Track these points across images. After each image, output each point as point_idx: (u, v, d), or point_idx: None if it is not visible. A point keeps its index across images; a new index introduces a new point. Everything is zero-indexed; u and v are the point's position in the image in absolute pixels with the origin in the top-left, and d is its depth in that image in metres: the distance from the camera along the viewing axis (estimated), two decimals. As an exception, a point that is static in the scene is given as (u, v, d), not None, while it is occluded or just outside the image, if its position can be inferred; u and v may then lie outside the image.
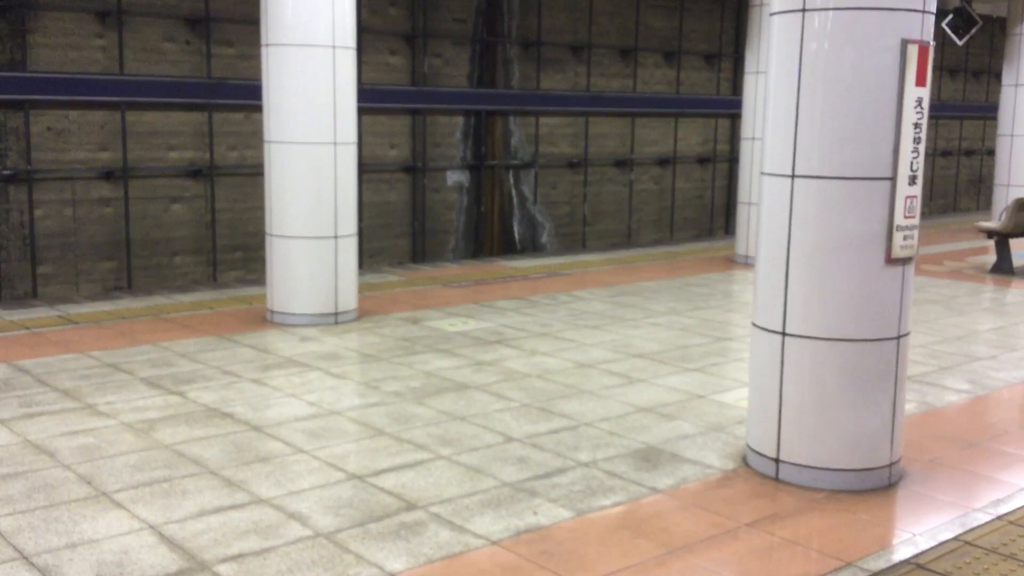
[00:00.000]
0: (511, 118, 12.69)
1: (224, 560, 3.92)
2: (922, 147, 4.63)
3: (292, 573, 3.82)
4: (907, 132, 4.53)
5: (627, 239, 14.20)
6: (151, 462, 4.99)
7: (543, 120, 13.02)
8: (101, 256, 9.70)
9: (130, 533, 4.15)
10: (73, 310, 8.64)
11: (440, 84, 11.94)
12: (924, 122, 4.61)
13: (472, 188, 12.45)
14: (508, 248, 12.85)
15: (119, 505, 4.44)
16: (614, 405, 6.09)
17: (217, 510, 4.40)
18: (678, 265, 11.93)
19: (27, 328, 7.90)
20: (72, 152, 9.45)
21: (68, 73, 9.27)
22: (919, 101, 4.55)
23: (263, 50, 8.04)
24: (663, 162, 14.48)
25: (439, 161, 12.07)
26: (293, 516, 4.35)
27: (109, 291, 9.67)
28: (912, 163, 4.58)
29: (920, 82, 4.53)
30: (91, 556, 3.93)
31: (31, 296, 9.30)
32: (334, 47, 7.91)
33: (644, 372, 6.87)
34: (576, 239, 13.64)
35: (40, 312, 8.53)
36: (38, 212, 9.30)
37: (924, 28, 4.56)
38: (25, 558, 3.91)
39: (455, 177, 12.28)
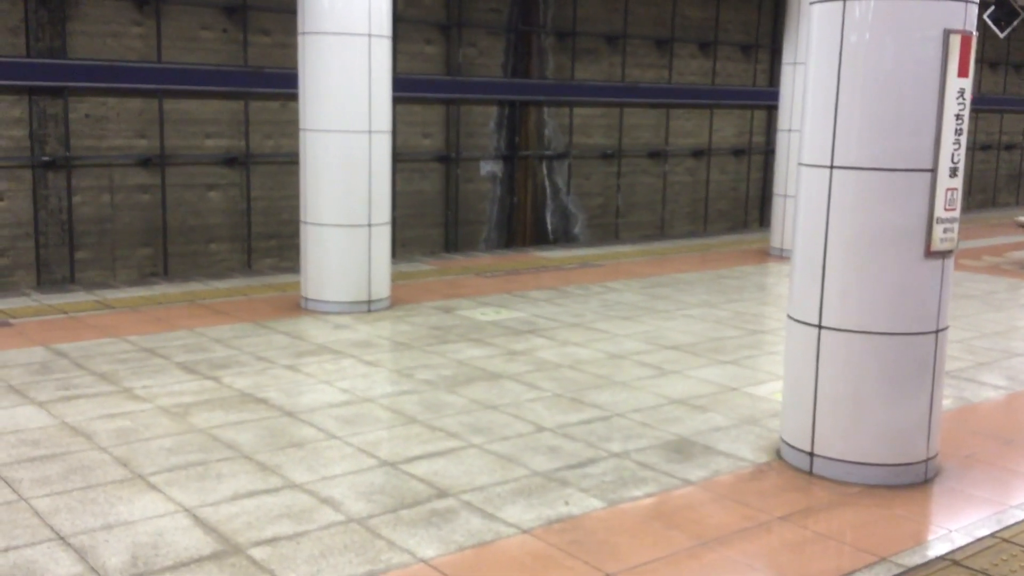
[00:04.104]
0: (545, 108, 12.65)
1: (257, 544, 3.95)
2: (963, 139, 4.56)
3: (324, 558, 3.85)
4: (949, 123, 4.47)
5: (660, 231, 14.13)
6: (186, 446, 5.03)
7: (577, 111, 12.98)
8: (138, 242, 9.79)
9: (165, 516, 4.19)
10: (110, 295, 8.74)
11: (474, 74, 11.93)
12: (966, 114, 4.54)
13: (505, 178, 12.44)
14: (541, 239, 12.83)
15: (154, 488, 4.48)
16: (646, 396, 6.07)
17: (251, 494, 4.44)
18: (711, 257, 11.87)
19: (65, 312, 8.00)
20: (110, 139, 9.54)
21: (106, 60, 9.36)
22: (961, 92, 4.49)
23: (300, 38, 8.07)
24: (698, 153, 14.39)
25: (472, 151, 12.06)
26: (326, 501, 4.38)
27: (146, 277, 9.76)
28: (953, 155, 4.51)
29: (962, 73, 4.47)
30: (127, 538, 3.98)
31: (69, 281, 9.41)
32: (370, 36, 7.92)
33: (677, 364, 6.84)
34: (609, 230, 13.59)
35: (78, 297, 8.63)
36: (76, 198, 9.40)
37: (967, 18, 4.49)
38: (62, 538, 3.96)
39: (488, 167, 12.27)
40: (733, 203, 15.05)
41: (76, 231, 9.42)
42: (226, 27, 10.06)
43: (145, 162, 9.71)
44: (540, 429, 5.41)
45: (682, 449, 5.16)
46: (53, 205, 9.30)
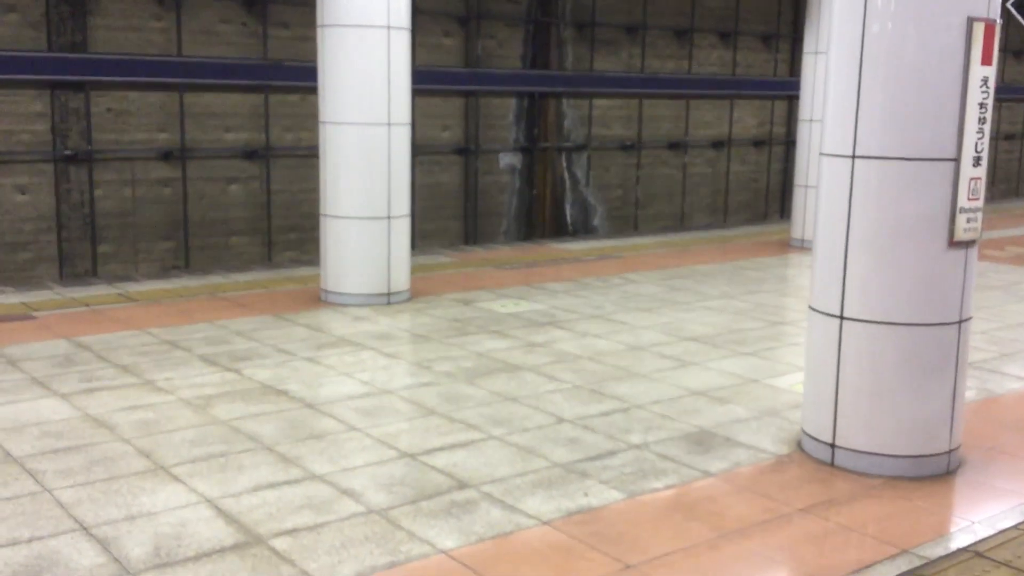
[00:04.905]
0: (564, 100, 12.63)
1: (279, 534, 3.97)
2: (987, 128, 4.51)
3: (345, 548, 3.86)
4: (972, 112, 4.42)
5: (680, 222, 14.08)
6: (208, 437, 5.06)
7: (596, 102, 12.94)
8: (159, 236, 9.85)
9: (187, 506, 4.22)
10: (132, 288, 8.79)
11: (493, 66, 11.92)
12: (990, 102, 4.50)
13: (524, 170, 12.42)
14: (560, 231, 12.81)
15: (177, 479, 4.51)
16: (666, 388, 6.05)
17: (272, 485, 4.46)
18: (731, 248, 11.82)
19: (87, 305, 8.05)
20: (131, 133, 9.59)
21: (127, 55, 9.41)
22: (984, 80, 4.44)
23: (319, 31, 8.07)
24: (718, 145, 14.32)
25: (492, 143, 12.05)
26: (346, 492, 4.39)
27: (167, 270, 9.82)
28: (977, 144, 4.47)
29: (986, 61, 4.42)
30: (149, 528, 4.00)
31: (91, 274, 9.47)
32: (389, 28, 7.92)
33: (697, 355, 6.82)
34: (628, 222, 13.56)
35: (100, 290, 8.69)
36: (98, 192, 9.46)
37: (990, 6, 4.44)
38: (85, 529, 3.99)
39: (507, 159, 12.26)
40: (753, 194, 14.98)
41: (98, 225, 9.48)
42: (245, 20, 10.09)
43: (166, 156, 9.76)
44: (560, 421, 5.41)
45: (702, 441, 5.14)
46: (75, 199, 9.36)
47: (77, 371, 6.19)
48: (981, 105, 4.45)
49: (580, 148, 12.85)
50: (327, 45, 8.01)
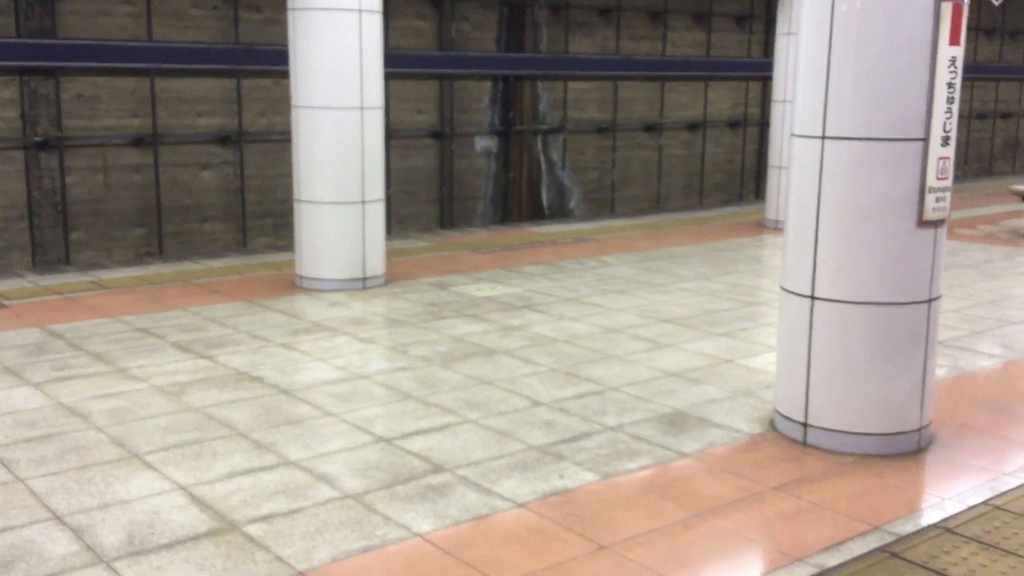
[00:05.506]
0: (539, 83, 12.60)
1: (253, 521, 3.97)
2: (955, 107, 4.54)
3: (321, 534, 3.86)
4: (940, 92, 4.45)
5: (656, 204, 14.11)
6: (182, 425, 5.04)
7: (572, 85, 12.92)
8: (132, 222, 9.78)
9: (161, 494, 4.21)
10: (105, 275, 8.73)
11: (468, 49, 11.87)
12: (958, 82, 4.52)
13: (500, 154, 12.40)
14: (536, 214, 12.81)
15: (150, 467, 4.50)
16: (641, 370, 6.08)
17: (247, 472, 4.45)
18: (707, 230, 11.86)
19: (60, 293, 7.99)
20: (102, 119, 9.50)
21: (97, 40, 9.30)
22: (953, 60, 4.47)
23: (289, 15, 8.02)
24: (693, 126, 14.35)
25: (467, 127, 12.02)
26: (321, 478, 4.39)
27: (140, 257, 9.75)
28: (945, 124, 4.50)
29: (954, 41, 4.44)
30: (123, 516, 3.99)
31: (63, 262, 9.40)
32: (360, 11, 7.87)
33: (672, 337, 6.85)
34: (605, 204, 13.57)
35: (72, 278, 8.63)
36: (69, 179, 9.37)
37: (959, -15, 4.46)
38: (58, 518, 3.97)
39: (483, 143, 12.24)
40: (729, 176, 15.02)
41: (70, 212, 9.40)
42: (216, 4, 10.00)
43: (138, 142, 9.68)
44: (535, 404, 5.43)
45: (677, 421, 5.17)
46: (46, 186, 9.27)
47: (50, 359, 6.15)
48: (949, 85, 4.48)
49: (556, 131, 12.84)
50: (298, 29, 7.96)
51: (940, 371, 5.89)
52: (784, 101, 11.66)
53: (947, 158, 4.56)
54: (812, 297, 4.73)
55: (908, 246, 4.57)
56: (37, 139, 9.14)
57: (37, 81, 9.12)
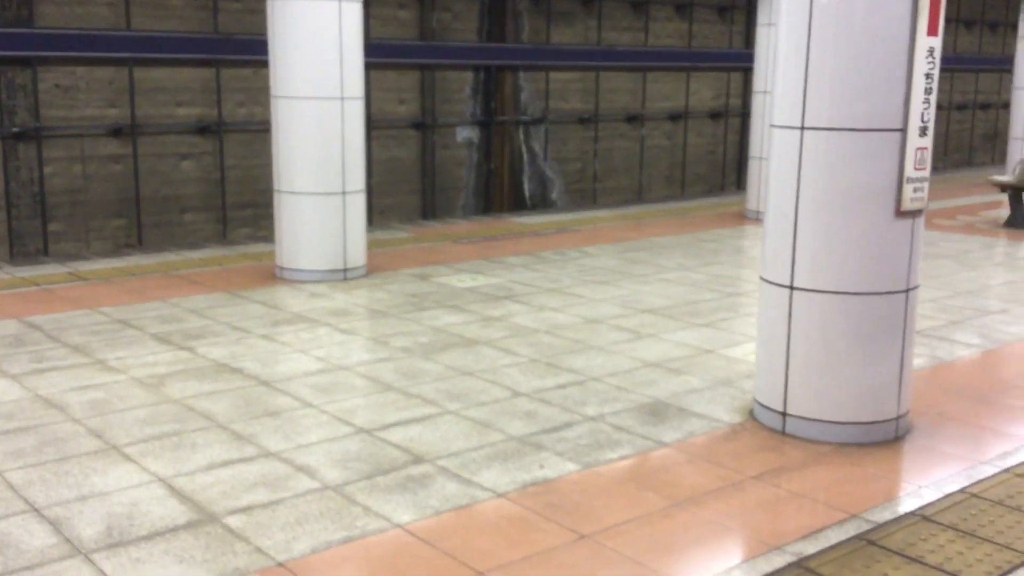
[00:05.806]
0: (521, 73, 12.58)
1: (233, 512, 3.96)
2: (933, 98, 4.56)
3: (300, 525, 3.86)
4: (918, 83, 4.47)
5: (638, 195, 14.12)
6: (161, 416, 5.02)
7: (553, 75, 12.91)
8: (111, 213, 9.71)
9: (140, 486, 4.19)
10: (84, 267, 8.67)
11: (449, 39, 11.84)
12: (936, 72, 4.55)
13: (482, 144, 12.38)
14: (518, 204, 12.80)
15: (129, 459, 4.48)
16: (622, 360, 6.09)
17: (226, 463, 4.44)
18: (689, 221, 11.88)
19: (38, 285, 7.93)
20: (80, 109, 9.42)
21: (75, 29, 9.22)
22: (931, 51, 4.48)
23: (268, 3, 7.97)
24: (675, 117, 14.36)
25: (449, 117, 11.99)
26: (301, 469, 4.38)
27: (119, 248, 9.69)
28: (923, 114, 4.52)
29: (932, 31, 4.46)
30: (101, 508, 3.97)
31: (42, 253, 9.33)
32: (340, 0, 7.83)
33: (653, 327, 6.86)
34: (586, 195, 13.58)
35: (51, 269, 8.57)
36: (47, 169, 9.29)
37: (937, -24, 4.48)
38: (36, 511, 3.95)
39: (465, 133, 12.21)
40: (710, 166, 15.05)
41: (48, 203, 9.33)
42: (195, -6, 9.93)
43: (116, 132, 9.61)
44: (516, 394, 5.43)
45: (657, 412, 5.19)
46: (24, 177, 9.20)
47: (28, 351, 6.11)
48: (927, 75, 4.50)
49: (538, 122, 12.82)
50: (277, 18, 7.92)
51: (918, 360, 5.92)
52: (765, 92, 11.70)
53: (925, 148, 4.58)
54: (791, 287, 4.75)
55: (886, 236, 4.59)
56: (15, 129, 9.06)
57: (14, 71, 9.03)
